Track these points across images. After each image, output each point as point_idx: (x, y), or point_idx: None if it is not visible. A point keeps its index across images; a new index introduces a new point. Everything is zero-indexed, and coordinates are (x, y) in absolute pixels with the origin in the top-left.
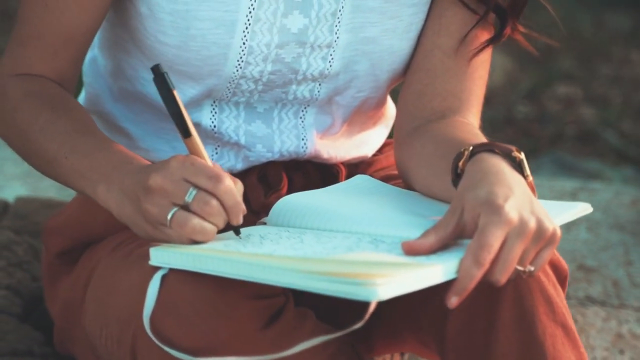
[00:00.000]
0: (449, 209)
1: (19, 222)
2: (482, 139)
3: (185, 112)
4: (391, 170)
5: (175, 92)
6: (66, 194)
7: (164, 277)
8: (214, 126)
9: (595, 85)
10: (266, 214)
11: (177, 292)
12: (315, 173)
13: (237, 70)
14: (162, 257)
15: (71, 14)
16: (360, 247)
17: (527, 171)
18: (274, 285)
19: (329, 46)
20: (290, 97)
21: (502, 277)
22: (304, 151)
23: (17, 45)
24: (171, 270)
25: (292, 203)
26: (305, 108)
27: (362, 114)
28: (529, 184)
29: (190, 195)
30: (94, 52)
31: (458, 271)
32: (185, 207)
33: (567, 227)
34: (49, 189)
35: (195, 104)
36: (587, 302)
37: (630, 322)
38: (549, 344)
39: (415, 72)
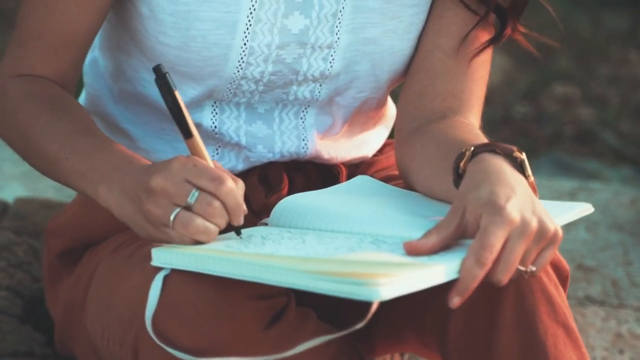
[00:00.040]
0: (450, 209)
1: (19, 222)
2: (483, 139)
3: (187, 113)
4: (392, 170)
5: (177, 93)
6: (65, 195)
7: (165, 278)
8: (215, 127)
9: (593, 85)
10: (267, 214)
11: (179, 292)
12: (316, 173)
13: (238, 71)
14: (164, 257)
15: (71, 15)
16: (362, 248)
17: (529, 171)
18: (276, 285)
19: (329, 47)
20: (291, 97)
21: (504, 277)
22: (305, 152)
23: (17, 45)
24: (173, 270)
25: (294, 204)
26: (305, 109)
27: (362, 115)
28: (531, 184)
29: (192, 197)
30: (95, 53)
31: (460, 271)
32: (187, 208)
33: (566, 227)
34: (47, 190)
35: (196, 104)
36: (586, 302)
37: (629, 322)
38: (551, 344)
39: (415, 73)
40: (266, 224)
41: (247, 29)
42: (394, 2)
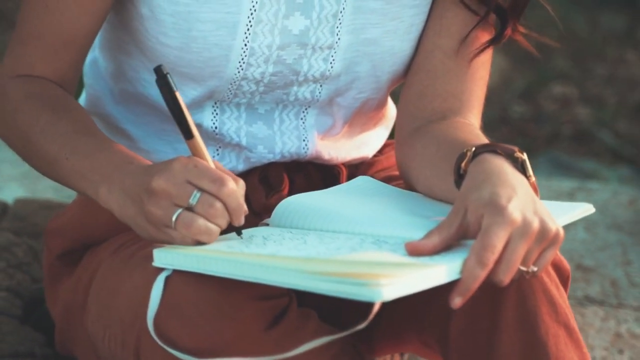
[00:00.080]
0: (452, 210)
1: (19, 223)
2: (483, 139)
3: (188, 114)
4: (392, 171)
5: (178, 94)
6: (64, 195)
7: (167, 279)
8: (216, 127)
9: (590, 85)
10: (268, 214)
11: (181, 293)
12: (316, 174)
13: (239, 72)
14: (166, 258)
15: (71, 15)
16: (364, 248)
17: (530, 171)
18: (278, 286)
19: (330, 47)
20: (292, 98)
21: (505, 277)
22: (305, 152)
23: (17, 46)
24: (175, 271)
25: (295, 204)
26: (306, 109)
27: (363, 115)
28: (532, 185)
29: (194, 198)
30: (95, 54)
31: (462, 272)
32: (188, 209)
33: (565, 227)
34: (46, 190)
35: (196, 105)
36: (585, 302)
37: (629, 322)
38: (552, 344)
39: (416, 73)
40: (267, 225)
41: (248, 29)
42: (394, 2)
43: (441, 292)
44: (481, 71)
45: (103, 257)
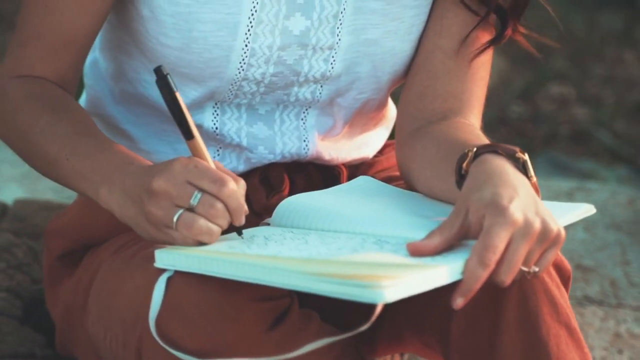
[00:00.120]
0: (453, 210)
1: (18, 224)
2: (484, 140)
3: (188, 114)
4: (392, 171)
5: (178, 94)
6: (64, 196)
7: (169, 280)
8: (216, 128)
9: (588, 85)
10: (268, 215)
11: (183, 294)
12: (317, 174)
13: (239, 73)
14: (167, 259)
15: (71, 15)
16: (365, 248)
17: (531, 172)
18: (280, 287)
19: (330, 48)
20: (292, 99)
21: (507, 277)
22: (306, 153)
23: (17, 46)
24: (176, 272)
25: (296, 204)
26: (306, 110)
27: (363, 116)
28: (533, 185)
29: (195, 199)
30: (95, 54)
31: (463, 272)
32: (189, 209)
33: (565, 228)
34: (46, 191)
35: (197, 106)
36: (585, 301)
37: (628, 322)
38: (553, 344)
39: (416, 74)
40: (268, 224)
41: (249, 30)
42: (395, 3)
43: (442, 293)
44: (481, 71)
45: (103, 258)
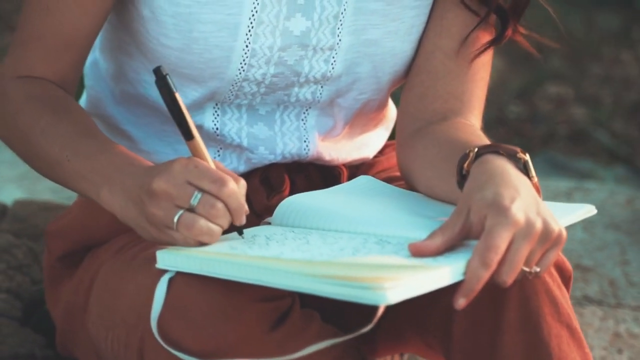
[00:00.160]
0: (455, 210)
1: (18, 225)
2: (485, 140)
3: (188, 115)
4: (393, 171)
5: (178, 95)
6: (63, 196)
7: (171, 280)
8: (217, 128)
9: (586, 85)
10: (269, 215)
11: (185, 295)
12: (317, 175)
13: (240, 73)
14: (169, 260)
15: (72, 16)
16: (367, 248)
17: (532, 172)
18: (282, 288)
19: (331, 49)
20: (293, 99)
21: (508, 278)
22: (306, 153)
23: (18, 47)
24: (178, 273)
25: (297, 203)
26: (307, 110)
27: (363, 116)
28: (534, 185)
29: (195, 199)
30: (95, 55)
31: (465, 273)
32: (190, 210)
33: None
34: (45, 192)
35: (197, 106)
36: (584, 301)
37: (627, 322)
38: (555, 344)
39: (416, 74)
40: (269, 223)
41: (249, 31)
42: (395, 4)
43: (443, 294)
44: (482, 72)
45: (104, 259)
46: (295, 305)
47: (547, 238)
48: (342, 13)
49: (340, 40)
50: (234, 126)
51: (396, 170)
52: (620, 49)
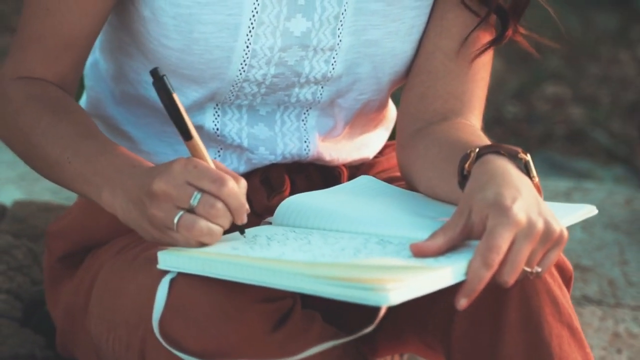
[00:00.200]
0: (456, 211)
1: (18, 225)
2: (485, 140)
3: (186, 115)
4: (393, 172)
5: (175, 95)
6: (62, 197)
7: (172, 281)
8: (217, 129)
9: (583, 84)
10: (269, 216)
11: (186, 295)
12: (318, 175)
13: (241, 74)
14: (171, 260)
15: (72, 17)
16: (368, 248)
17: (534, 172)
18: (284, 289)
19: (331, 49)
20: (293, 100)
21: (510, 278)
22: (307, 153)
23: (18, 48)
24: (179, 273)
25: (297, 203)
26: (307, 111)
27: (363, 117)
28: (535, 186)
29: (195, 199)
30: (96, 56)
31: (467, 273)
32: (191, 210)
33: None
34: (44, 192)
35: (198, 107)
36: (583, 301)
37: (626, 321)
38: (556, 344)
39: (417, 75)
40: (270, 223)
41: (250, 31)
42: (395, 4)
43: (444, 294)
44: (482, 72)
45: (105, 260)
46: (297, 306)
47: (549, 238)
48: (342, 14)
49: (340, 40)
50: (235, 127)
51: (396, 171)
52: (618, 48)
